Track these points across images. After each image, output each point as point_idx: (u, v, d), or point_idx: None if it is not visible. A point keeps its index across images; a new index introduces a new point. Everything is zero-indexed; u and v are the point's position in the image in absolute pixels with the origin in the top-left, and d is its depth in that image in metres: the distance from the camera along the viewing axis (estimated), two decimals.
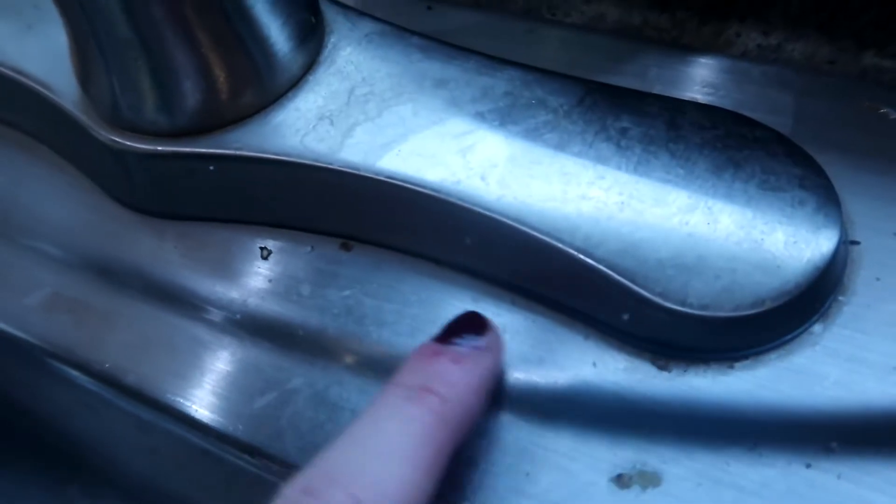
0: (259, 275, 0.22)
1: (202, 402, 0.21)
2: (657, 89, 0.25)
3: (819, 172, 0.19)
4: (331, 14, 0.24)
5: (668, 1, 0.28)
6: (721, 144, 0.20)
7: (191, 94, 0.21)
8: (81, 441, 0.29)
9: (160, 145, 0.22)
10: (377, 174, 0.20)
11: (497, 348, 0.18)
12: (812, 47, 0.26)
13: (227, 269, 0.23)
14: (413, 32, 0.24)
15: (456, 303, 0.21)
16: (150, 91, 0.22)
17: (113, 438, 0.27)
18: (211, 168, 0.22)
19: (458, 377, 0.16)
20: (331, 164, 0.21)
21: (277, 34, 0.22)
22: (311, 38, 0.23)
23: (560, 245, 0.19)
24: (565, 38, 0.29)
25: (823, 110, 0.24)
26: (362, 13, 0.25)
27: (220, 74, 0.22)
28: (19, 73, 0.25)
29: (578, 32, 0.29)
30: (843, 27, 0.25)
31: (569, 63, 0.26)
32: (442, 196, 0.20)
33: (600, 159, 0.20)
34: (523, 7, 0.30)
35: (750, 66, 0.26)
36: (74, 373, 0.23)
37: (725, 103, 0.25)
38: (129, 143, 0.23)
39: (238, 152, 0.22)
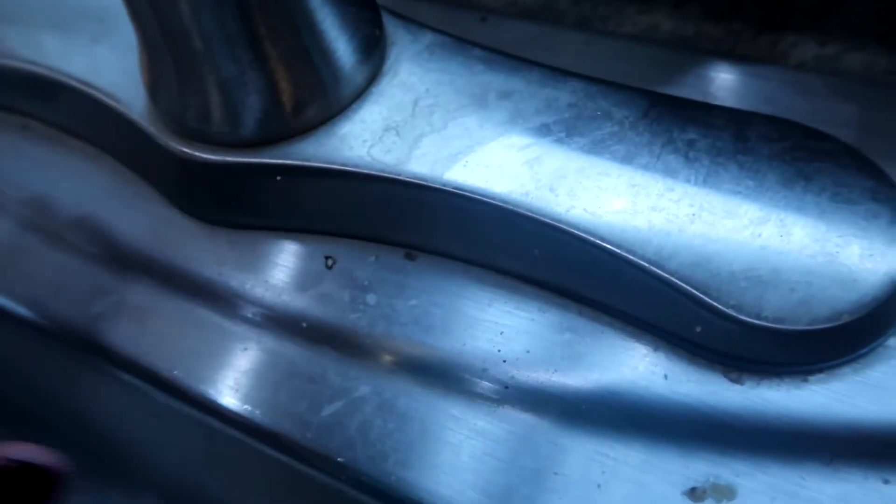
0: (325, 284, 0.23)
1: (270, 409, 0.21)
2: (716, 101, 0.25)
3: (891, 185, 0.19)
4: (391, 26, 0.25)
5: (723, 11, 0.28)
6: (790, 157, 0.20)
7: (259, 106, 0.22)
8: (142, 449, 0.30)
9: (228, 156, 0.23)
10: (445, 185, 0.21)
11: None
12: (871, 58, 0.26)
13: (293, 278, 0.23)
14: (473, 44, 0.24)
15: (523, 313, 0.21)
16: (219, 103, 0.22)
17: (173, 446, 0.27)
18: (278, 179, 0.22)
19: None
20: (399, 175, 0.21)
21: (344, 48, 0.22)
22: (375, 51, 0.23)
23: (631, 257, 0.19)
24: (620, 49, 0.29)
25: (886, 121, 0.24)
26: (422, 25, 0.25)
27: (289, 88, 0.22)
28: (87, 84, 0.26)
29: (633, 43, 0.29)
30: None
31: (626, 74, 0.26)
32: (511, 207, 0.20)
33: (669, 171, 0.20)
34: (576, 18, 0.31)
35: (808, 77, 0.26)
36: (141, 381, 0.23)
37: (786, 114, 0.25)
38: (196, 153, 0.23)
39: (306, 163, 0.22)
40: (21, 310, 0.26)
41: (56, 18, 0.28)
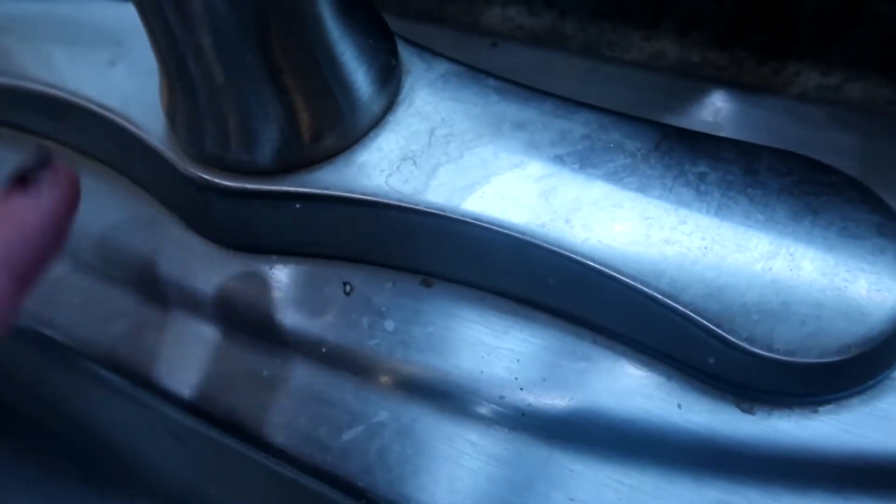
0: (343, 310, 0.23)
1: (290, 433, 0.22)
2: (721, 129, 0.26)
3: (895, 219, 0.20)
4: (406, 55, 0.25)
5: (727, 39, 0.29)
6: (798, 190, 0.21)
7: (278, 135, 0.22)
8: (159, 469, 0.30)
9: (247, 183, 0.23)
10: (463, 216, 0.21)
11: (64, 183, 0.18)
12: (872, 88, 0.27)
13: (311, 303, 0.23)
14: (487, 74, 0.25)
15: (538, 341, 0.21)
16: (239, 131, 0.22)
17: (191, 466, 0.27)
18: (297, 206, 0.23)
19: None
20: (417, 204, 0.22)
21: (362, 79, 0.23)
22: (391, 80, 0.24)
23: (645, 289, 0.19)
24: (626, 75, 0.29)
25: (887, 151, 0.24)
26: (436, 53, 0.25)
27: (308, 118, 0.22)
28: (104, 107, 0.26)
29: (638, 69, 0.29)
30: None
31: (631, 100, 0.27)
32: (527, 238, 0.21)
33: (681, 203, 0.21)
34: (583, 43, 0.31)
35: (810, 107, 0.27)
36: (160, 401, 0.24)
37: (788, 144, 0.25)
38: (215, 179, 0.23)
39: (325, 191, 0.22)
40: (39, 329, 0.26)
41: (73, 40, 0.28)
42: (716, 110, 0.27)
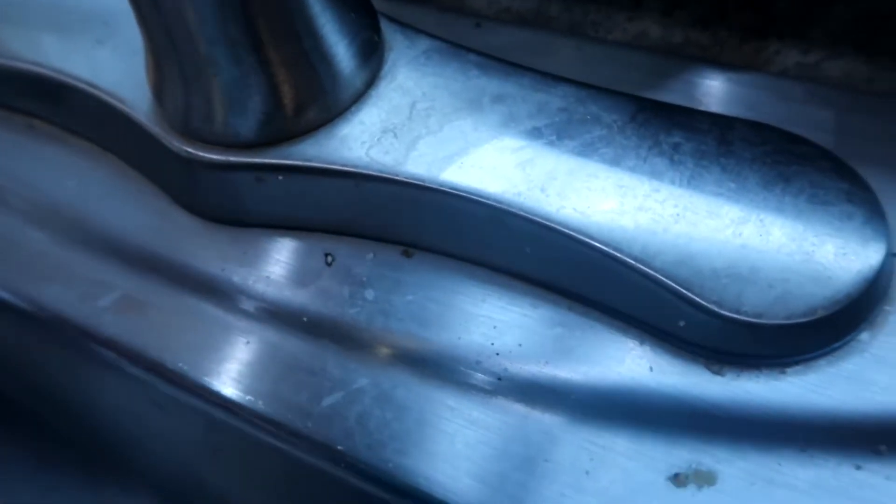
0: (325, 280, 0.23)
1: (272, 400, 0.22)
2: (702, 106, 0.26)
3: (865, 187, 0.20)
4: (389, 32, 0.26)
5: (710, 19, 0.29)
6: (770, 160, 0.21)
7: (261, 108, 0.23)
8: (142, 442, 0.30)
9: (231, 155, 0.23)
10: (441, 185, 0.22)
11: None
12: (850, 66, 0.27)
13: (294, 274, 0.24)
14: (468, 49, 0.25)
15: (515, 308, 0.22)
16: (222, 105, 0.23)
17: (175, 437, 0.28)
18: (279, 178, 0.23)
19: None
20: (397, 175, 0.22)
21: (344, 53, 0.23)
22: (374, 56, 0.24)
23: (619, 255, 0.20)
24: (610, 54, 0.30)
25: (864, 127, 0.25)
26: (419, 30, 0.26)
27: (290, 91, 0.23)
28: (91, 85, 0.26)
29: (622, 49, 0.30)
30: (881, 46, 0.26)
31: (615, 79, 0.27)
32: (504, 207, 0.21)
33: (655, 173, 0.21)
34: (568, 24, 0.31)
35: (790, 84, 0.27)
36: (145, 373, 0.24)
37: (768, 120, 0.26)
38: (200, 152, 0.24)
39: (307, 163, 0.23)
40: (26, 305, 0.26)
41: (60, 21, 0.29)
42: (698, 87, 0.28)
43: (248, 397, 0.22)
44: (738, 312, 0.19)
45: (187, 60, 0.22)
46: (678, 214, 0.20)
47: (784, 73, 0.28)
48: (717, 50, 0.30)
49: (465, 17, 0.31)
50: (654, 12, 0.30)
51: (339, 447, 0.21)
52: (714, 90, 0.28)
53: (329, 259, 0.24)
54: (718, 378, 0.20)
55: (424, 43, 0.25)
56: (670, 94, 0.27)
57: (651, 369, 0.20)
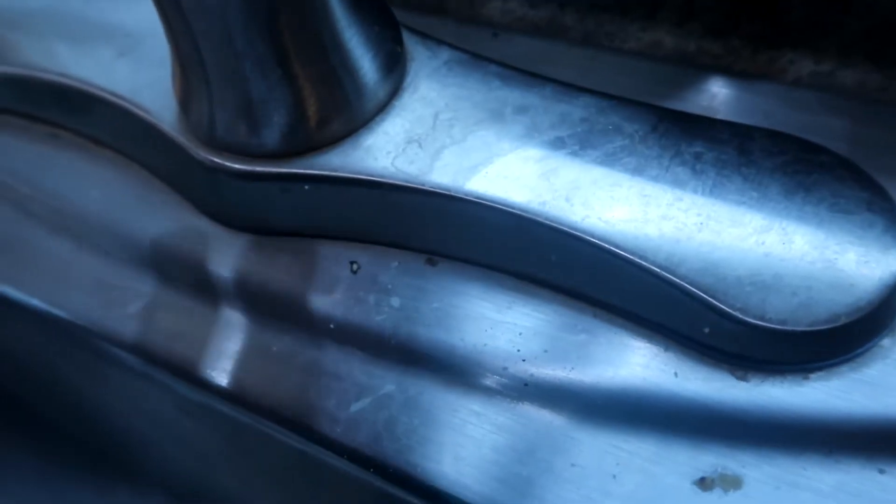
0: (350, 288, 0.24)
1: (299, 406, 0.22)
2: (717, 115, 0.27)
3: (885, 196, 0.21)
4: (411, 43, 0.26)
5: (723, 29, 0.29)
6: (790, 169, 0.21)
7: (287, 120, 0.23)
8: (158, 447, 0.31)
9: (256, 165, 0.24)
10: (467, 195, 0.22)
11: None
12: (863, 75, 0.28)
13: (319, 282, 0.24)
14: (489, 60, 0.25)
15: (540, 315, 0.22)
16: (248, 117, 0.23)
17: (198, 443, 0.28)
18: (305, 187, 0.24)
19: None
20: (423, 184, 0.22)
21: (369, 66, 0.24)
22: (397, 67, 0.25)
23: (643, 262, 0.20)
24: (624, 64, 0.30)
25: (878, 136, 0.25)
26: (440, 41, 0.26)
27: (316, 104, 0.23)
28: (116, 95, 0.27)
29: (636, 59, 0.30)
30: (893, 55, 0.27)
31: (630, 88, 0.28)
32: (529, 216, 0.21)
33: (677, 182, 0.21)
34: (582, 34, 0.32)
35: (804, 93, 0.27)
36: (173, 379, 0.24)
37: (783, 128, 0.26)
38: (225, 162, 0.24)
39: (333, 173, 0.23)
40: (52, 312, 0.27)
41: (84, 32, 0.29)
42: (712, 96, 0.28)
43: (275, 404, 0.22)
44: (762, 319, 0.19)
45: (214, 73, 0.22)
46: (702, 223, 0.20)
47: (798, 82, 0.29)
48: (731, 59, 0.30)
49: (482, 28, 0.32)
50: (668, 23, 0.30)
51: (367, 452, 0.21)
52: (728, 99, 0.28)
53: (354, 267, 0.24)
54: (743, 384, 0.20)
55: (446, 54, 0.25)
56: (685, 104, 0.28)
57: (676, 375, 0.21)
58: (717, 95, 0.28)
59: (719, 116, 0.27)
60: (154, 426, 0.31)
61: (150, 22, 0.23)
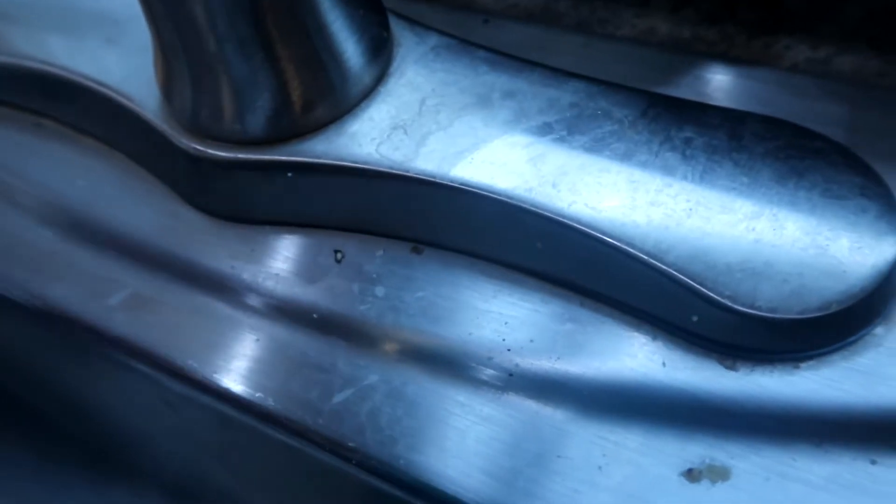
0: (335, 277, 0.23)
1: (282, 397, 0.22)
2: (712, 101, 0.26)
3: (878, 181, 0.20)
4: (398, 28, 0.26)
5: (718, 15, 0.29)
6: (782, 154, 0.21)
7: (270, 105, 0.23)
8: (151, 442, 0.30)
9: (240, 153, 0.23)
10: (452, 181, 0.21)
11: None
12: (861, 61, 0.27)
13: (303, 271, 0.24)
14: (478, 46, 0.25)
15: (526, 304, 0.22)
16: (231, 102, 0.23)
17: (184, 436, 0.28)
18: (289, 175, 0.23)
19: None
20: (407, 171, 0.22)
21: (353, 50, 0.23)
22: (383, 52, 0.24)
23: (631, 250, 0.20)
24: (618, 51, 0.30)
25: (875, 122, 0.25)
26: (428, 27, 0.26)
27: (299, 88, 0.23)
28: (100, 84, 0.26)
29: (630, 45, 0.30)
30: (892, 41, 0.26)
31: (624, 75, 0.27)
32: (515, 202, 0.21)
33: (666, 168, 0.21)
34: (575, 21, 0.31)
35: (800, 79, 0.27)
36: (155, 371, 0.24)
37: (779, 115, 0.26)
38: (209, 150, 0.24)
39: (316, 160, 0.23)
40: (35, 303, 0.26)
41: (70, 20, 0.29)
42: (707, 83, 0.28)
43: (258, 394, 0.22)
44: (752, 307, 0.18)
45: (196, 58, 0.22)
46: (691, 209, 0.20)
47: (794, 68, 0.28)
48: (726, 45, 0.29)
49: (473, 14, 0.31)
50: (662, 9, 0.30)
51: (350, 444, 0.21)
52: (724, 86, 0.27)
53: (339, 256, 0.24)
54: (732, 373, 0.20)
55: (433, 39, 0.25)
56: (679, 90, 0.27)
57: (664, 364, 0.20)
58: (713, 82, 0.28)
59: (715, 103, 0.27)
60: (143, 419, 0.31)
61: (137, 9, 0.22)
